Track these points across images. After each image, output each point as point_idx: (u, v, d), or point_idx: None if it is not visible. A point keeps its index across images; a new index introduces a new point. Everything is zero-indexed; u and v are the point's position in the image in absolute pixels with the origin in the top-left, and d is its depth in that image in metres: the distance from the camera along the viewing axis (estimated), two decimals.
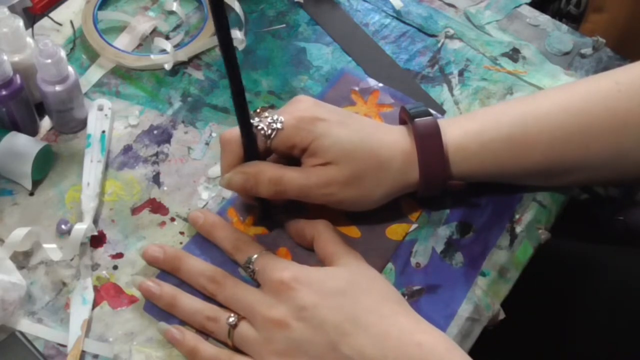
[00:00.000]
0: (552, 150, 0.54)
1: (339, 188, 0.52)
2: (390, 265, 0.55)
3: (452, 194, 0.57)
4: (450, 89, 0.66)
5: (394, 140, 0.54)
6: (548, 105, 0.54)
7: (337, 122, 0.53)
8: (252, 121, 0.51)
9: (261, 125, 0.52)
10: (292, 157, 0.53)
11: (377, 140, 0.53)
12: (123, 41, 0.67)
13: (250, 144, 0.51)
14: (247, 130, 0.51)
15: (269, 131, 0.51)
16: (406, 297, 0.53)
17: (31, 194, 0.58)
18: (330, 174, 0.52)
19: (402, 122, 0.57)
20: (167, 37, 0.68)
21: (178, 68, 0.66)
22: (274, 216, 0.56)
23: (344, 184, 0.52)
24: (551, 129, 0.53)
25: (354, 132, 0.53)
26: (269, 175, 0.52)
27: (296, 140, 0.52)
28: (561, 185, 0.59)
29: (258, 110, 0.53)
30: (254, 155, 0.52)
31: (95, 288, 0.53)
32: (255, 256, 0.52)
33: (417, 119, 0.54)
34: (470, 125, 0.55)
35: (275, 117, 0.52)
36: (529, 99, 0.57)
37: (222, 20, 0.45)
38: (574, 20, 1.05)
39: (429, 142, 0.53)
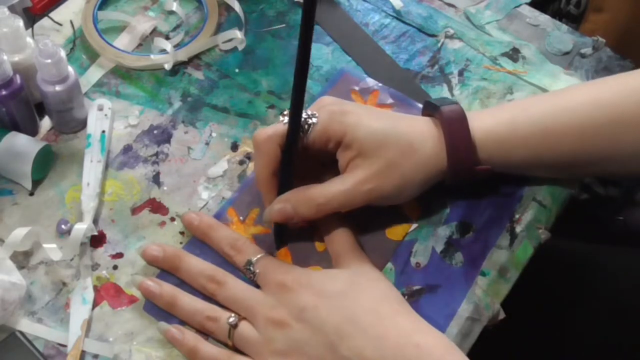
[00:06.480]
0: (581, 140, 0.54)
1: (378, 180, 0.52)
2: (390, 265, 0.55)
3: (452, 194, 0.57)
4: (450, 89, 0.66)
5: (422, 127, 0.54)
6: (578, 98, 0.55)
7: (365, 113, 0.54)
8: (284, 119, 0.51)
9: None
10: (326, 156, 0.53)
11: (406, 126, 0.54)
12: (123, 41, 0.67)
13: (295, 140, 0.51)
14: (296, 127, 0.50)
15: (305, 126, 0.52)
16: (406, 297, 0.53)
17: (31, 194, 0.58)
18: (365, 169, 0.52)
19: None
20: (167, 37, 0.68)
21: (178, 68, 0.66)
22: (286, 238, 0.56)
23: (382, 175, 0.52)
24: (581, 120, 0.54)
25: (384, 121, 0.54)
26: (306, 196, 0.52)
27: (330, 133, 0.52)
28: (585, 175, 0.59)
29: (285, 112, 0.52)
30: (294, 153, 0.51)
31: (95, 288, 0.53)
32: (256, 258, 0.52)
33: (443, 106, 0.54)
34: (500, 114, 0.55)
35: (309, 113, 0.52)
36: (559, 92, 0.58)
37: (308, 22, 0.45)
38: (574, 20, 1.05)
39: (455, 126, 0.53)
